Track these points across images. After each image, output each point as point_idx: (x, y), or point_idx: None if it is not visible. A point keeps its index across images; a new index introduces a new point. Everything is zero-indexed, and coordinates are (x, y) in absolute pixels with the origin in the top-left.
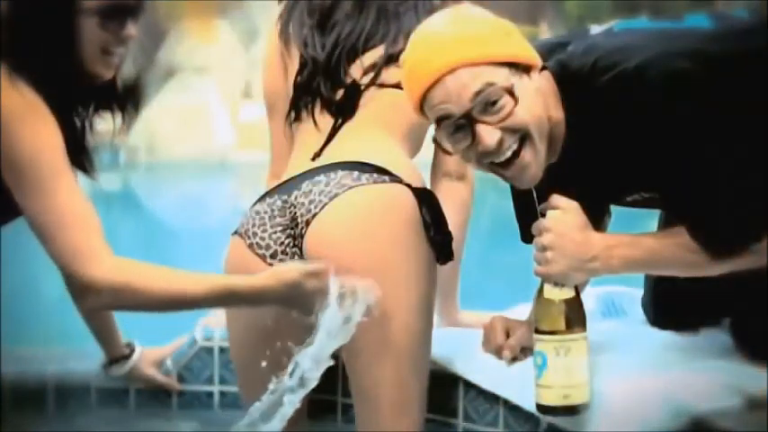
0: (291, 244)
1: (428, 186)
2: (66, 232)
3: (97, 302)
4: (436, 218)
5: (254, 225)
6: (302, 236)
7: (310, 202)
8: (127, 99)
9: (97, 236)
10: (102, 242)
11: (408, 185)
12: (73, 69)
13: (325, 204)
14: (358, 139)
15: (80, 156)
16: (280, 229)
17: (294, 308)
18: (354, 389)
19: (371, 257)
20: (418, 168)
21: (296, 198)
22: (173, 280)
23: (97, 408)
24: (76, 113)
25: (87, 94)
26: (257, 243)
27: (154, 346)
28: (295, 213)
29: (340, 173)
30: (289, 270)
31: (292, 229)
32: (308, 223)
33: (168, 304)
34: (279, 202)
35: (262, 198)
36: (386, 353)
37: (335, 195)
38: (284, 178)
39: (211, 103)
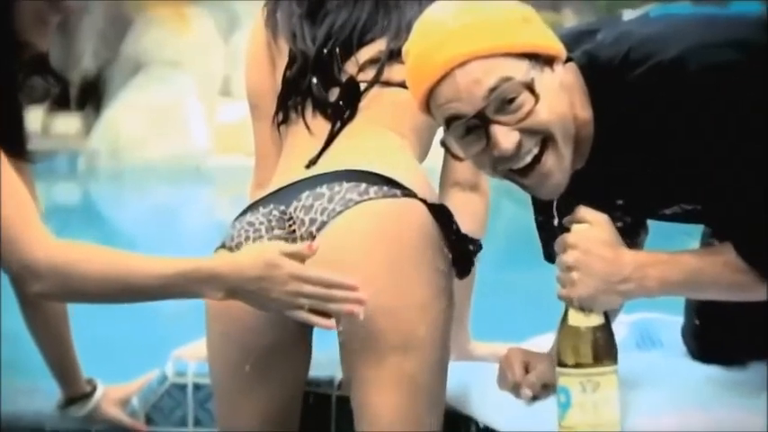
0: None
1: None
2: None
3: (41, 288)
4: (455, 236)
5: (247, 238)
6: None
7: (311, 222)
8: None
9: (34, 216)
10: (39, 223)
11: (422, 200)
12: (8, 39)
13: (326, 224)
14: (360, 145)
15: (20, 138)
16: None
17: (269, 295)
18: (363, 425)
19: (379, 284)
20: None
21: (295, 210)
22: (124, 261)
23: None
24: (17, 89)
25: (23, 68)
26: None
27: (118, 383)
28: (294, 231)
29: (345, 185)
30: (269, 247)
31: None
32: None
33: (120, 290)
34: (276, 212)
35: (252, 208)
36: (401, 385)
37: (339, 213)
38: (274, 187)
39: (185, 102)
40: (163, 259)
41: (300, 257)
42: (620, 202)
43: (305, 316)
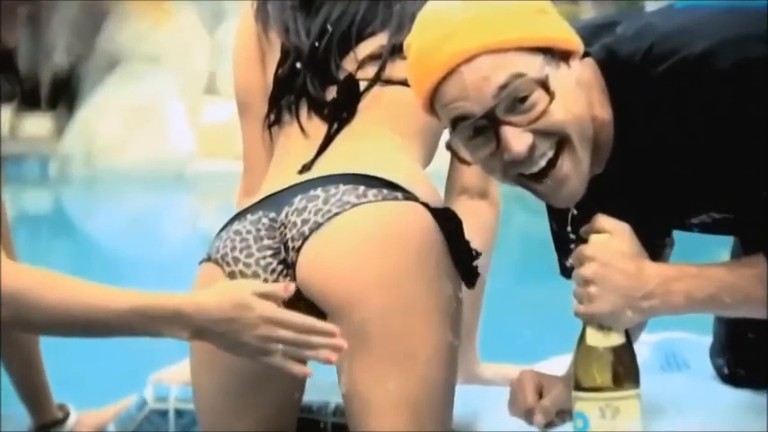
0: (284, 272)
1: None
2: None
3: None
4: (458, 243)
5: (233, 249)
6: (293, 265)
7: (303, 222)
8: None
9: None
10: None
11: (425, 204)
12: None
13: (321, 225)
14: (358, 147)
15: None
16: (270, 253)
17: (239, 338)
18: None
19: (380, 293)
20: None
21: (287, 216)
22: (82, 292)
23: None
24: None
25: None
26: (241, 271)
27: (92, 409)
28: (285, 235)
29: (342, 187)
30: (241, 286)
31: (284, 253)
32: (298, 250)
33: (76, 323)
34: (265, 220)
35: (240, 216)
36: (404, 407)
37: (335, 215)
38: (264, 193)
39: (165, 101)
40: (125, 292)
41: (275, 298)
42: (643, 209)
43: (278, 362)
